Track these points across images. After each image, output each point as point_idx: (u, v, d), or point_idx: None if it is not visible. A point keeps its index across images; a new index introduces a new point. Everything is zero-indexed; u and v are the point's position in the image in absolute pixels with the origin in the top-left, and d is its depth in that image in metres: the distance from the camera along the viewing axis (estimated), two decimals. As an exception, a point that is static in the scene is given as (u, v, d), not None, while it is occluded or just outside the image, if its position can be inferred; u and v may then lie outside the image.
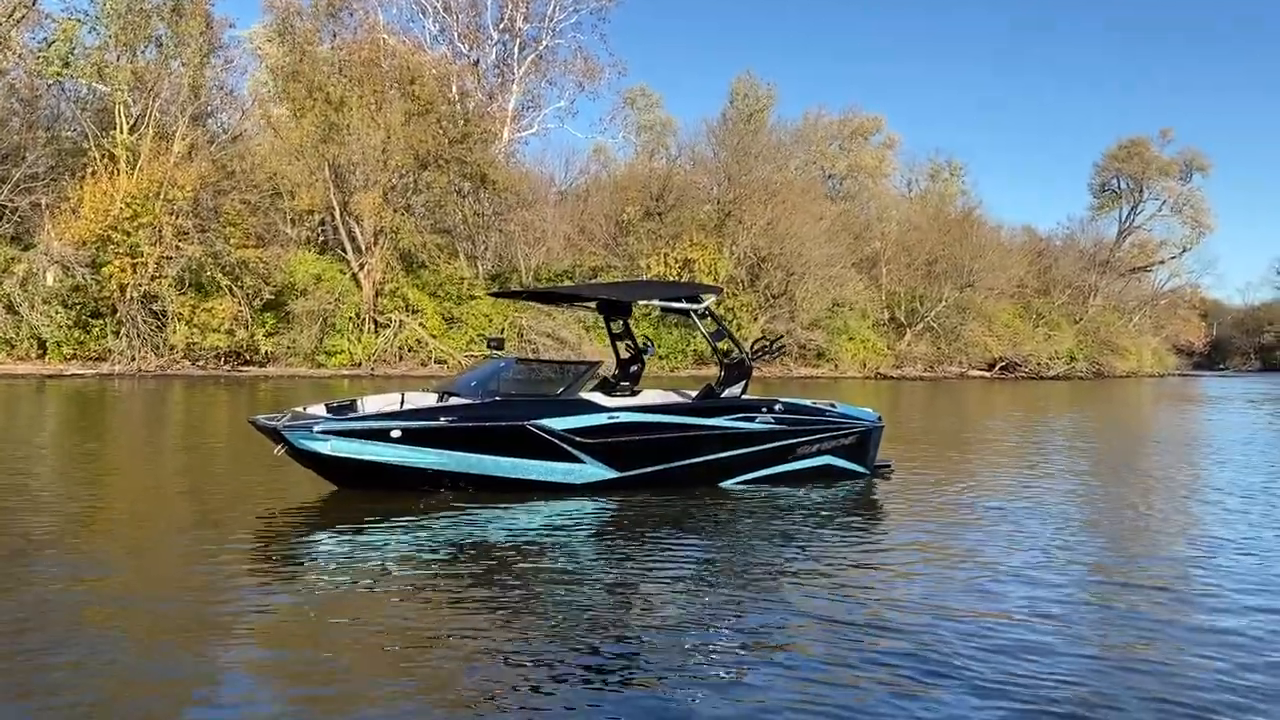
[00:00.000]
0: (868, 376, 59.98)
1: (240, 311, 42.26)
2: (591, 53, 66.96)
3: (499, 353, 11.42)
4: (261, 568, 6.96)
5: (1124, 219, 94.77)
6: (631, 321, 11.55)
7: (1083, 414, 28.21)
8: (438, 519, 8.49)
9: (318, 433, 9.15)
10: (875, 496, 10.44)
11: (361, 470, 9.31)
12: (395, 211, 47.53)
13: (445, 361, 47.76)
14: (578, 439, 9.47)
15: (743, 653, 5.19)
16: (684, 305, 10.47)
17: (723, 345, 10.53)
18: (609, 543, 7.92)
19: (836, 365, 60.52)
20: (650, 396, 10.62)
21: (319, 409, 9.65)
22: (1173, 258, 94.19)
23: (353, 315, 47.17)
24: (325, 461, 9.34)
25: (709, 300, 10.52)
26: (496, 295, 13.76)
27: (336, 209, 47.67)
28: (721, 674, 4.85)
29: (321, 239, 51.62)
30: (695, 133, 68.01)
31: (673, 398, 10.56)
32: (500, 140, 58.48)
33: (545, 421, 9.40)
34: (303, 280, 46.48)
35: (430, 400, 9.80)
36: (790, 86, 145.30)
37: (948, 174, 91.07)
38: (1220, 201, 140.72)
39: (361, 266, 47.92)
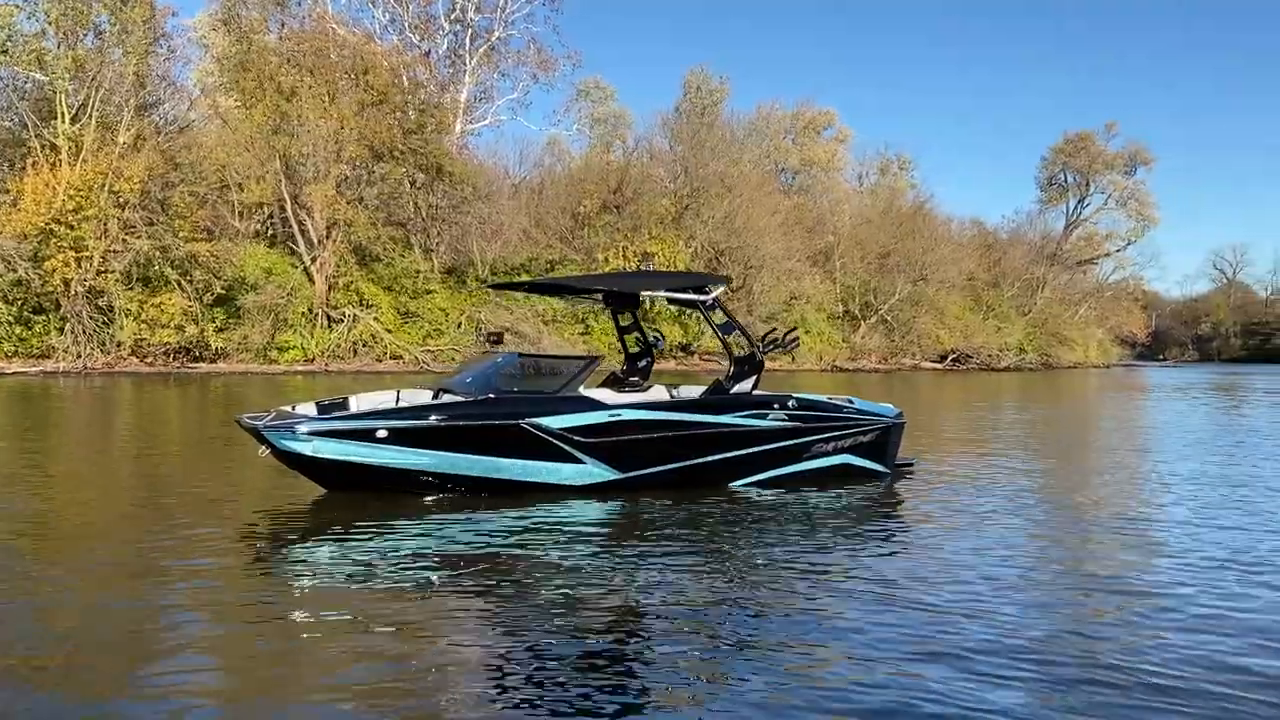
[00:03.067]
0: (824, 369, 60.20)
1: (190, 307, 41.14)
2: (545, 44, 66.32)
3: (499, 348, 11.01)
4: (231, 576, 6.53)
5: (1071, 212, 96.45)
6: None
7: (1053, 407, 28.53)
8: (427, 524, 8.06)
9: (300, 433, 8.73)
10: (896, 496, 9.99)
11: (347, 472, 8.88)
12: (348, 204, 46.62)
13: (401, 356, 47.03)
14: (576, 438, 9.08)
15: (748, 664, 4.88)
16: (691, 296, 10.11)
17: (732, 338, 10.13)
18: (610, 548, 7.47)
19: (793, 358, 60.57)
20: (656, 393, 10.27)
21: (308, 407, 9.19)
22: (1118, 250, 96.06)
23: (305, 310, 46.15)
24: (309, 463, 8.91)
25: (717, 290, 10.13)
26: (497, 287, 13.23)
27: (287, 201, 46.62)
28: (723, 686, 4.58)
29: (270, 232, 50.47)
30: (650, 125, 67.86)
31: (679, 394, 10.21)
32: (453, 132, 57.67)
33: (541, 420, 9.00)
34: (253, 274, 45.38)
35: (425, 398, 9.38)
36: (741, 80, 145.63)
37: (897, 168, 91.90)
38: (1160, 194, 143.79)
39: (314, 260, 46.93)
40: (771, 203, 63.41)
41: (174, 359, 41.27)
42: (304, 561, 7.07)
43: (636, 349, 11.12)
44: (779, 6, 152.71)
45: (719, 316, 10.03)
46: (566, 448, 9.08)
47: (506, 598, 6.02)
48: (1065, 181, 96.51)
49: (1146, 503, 9.86)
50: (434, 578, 6.49)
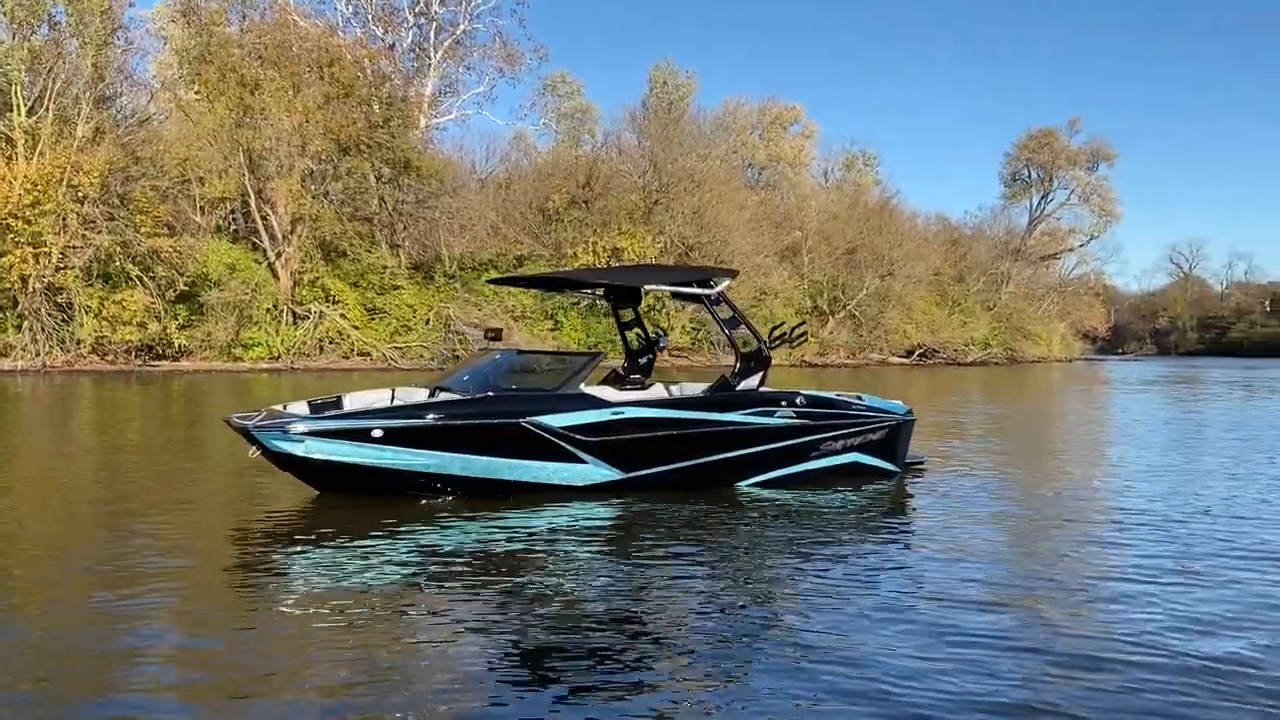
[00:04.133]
0: (793, 364, 60.21)
1: (152, 303, 40.28)
2: (510, 38, 65.57)
3: (497, 344, 10.68)
4: (214, 581, 6.27)
5: (1034, 208, 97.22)
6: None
7: (1033, 402, 28.73)
8: (423, 527, 7.78)
9: (293, 433, 8.40)
10: (907, 494, 9.77)
11: (342, 474, 8.58)
12: (313, 198, 45.87)
13: (368, 353, 46.43)
14: (578, 437, 8.80)
15: (751, 667, 4.70)
16: (696, 290, 9.85)
17: (738, 334, 9.86)
18: (613, 550, 7.23)
19: (762, 353, 60.52)
20: (659, 390, 10.01)
21: (300, 406, 8.86)
22: (1081, 245, 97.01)
23: (270, 307, 45.37)
24: (301, 464, 8.59)
25: (723, 284, 9.87)
26: (497, 282, 12.94)
27: (251, 196, 45.80)
28: (726, 687, 4.44)
29: (233, 228, 49.57)
30: (617, 120, 67.36)
31: (684, 391, 9.95)
32: (418, 126, 56.98)
33: (542, 418, 8.72)
34: (216, 271, 44.57)
35: (420, 396, 9.06)
36: (708, 75, 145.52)
37: (862, 164, 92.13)
38: (1120, 190, 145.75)
39: (278, 255, 46.16)
40: (739, 198, 63.36)
41: (136, 357, 40.44)
42: (295, 564, 6.75)
43: (638, 345, 10.85)
44: (746, 1, 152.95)
45: (724, 311, 9.77)
46: (568, 447, 8.81)
47: (506, 601, 5.79)
48: (1029, 177, 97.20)
49: (1148, 493, 9.79)
50: (430, 581, 6.24)
